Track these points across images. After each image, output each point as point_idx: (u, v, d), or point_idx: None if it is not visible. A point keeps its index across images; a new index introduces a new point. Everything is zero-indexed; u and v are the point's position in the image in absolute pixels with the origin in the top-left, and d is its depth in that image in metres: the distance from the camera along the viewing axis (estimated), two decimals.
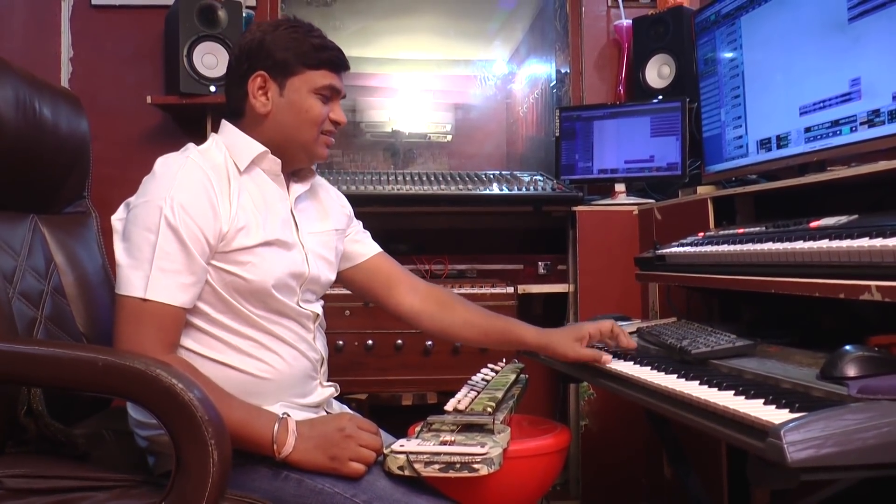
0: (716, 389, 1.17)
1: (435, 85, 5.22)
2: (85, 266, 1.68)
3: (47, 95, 1.58)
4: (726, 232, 1.75)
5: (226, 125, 1.46)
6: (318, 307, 1.51)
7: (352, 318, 2.45)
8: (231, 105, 1.47)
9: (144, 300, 1.27)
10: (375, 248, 1.67)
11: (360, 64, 4.88)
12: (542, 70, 3.65)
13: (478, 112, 5.18)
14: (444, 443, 1.31)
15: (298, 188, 1.50)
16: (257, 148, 1.42)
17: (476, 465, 1.25)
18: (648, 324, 1.80)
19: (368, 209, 2.61)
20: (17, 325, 1.42)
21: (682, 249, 1.79)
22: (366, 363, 2.43)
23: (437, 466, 1.25)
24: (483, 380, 1.77)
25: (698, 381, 1.23)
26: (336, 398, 1.56)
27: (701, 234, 1.87)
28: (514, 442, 1.51)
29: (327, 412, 1.50)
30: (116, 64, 2.98)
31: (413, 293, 1.63)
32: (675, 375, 1.30)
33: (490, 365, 1.89)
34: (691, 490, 1.74)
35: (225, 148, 1.42)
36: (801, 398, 1.05)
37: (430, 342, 2.42)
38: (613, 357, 1.56)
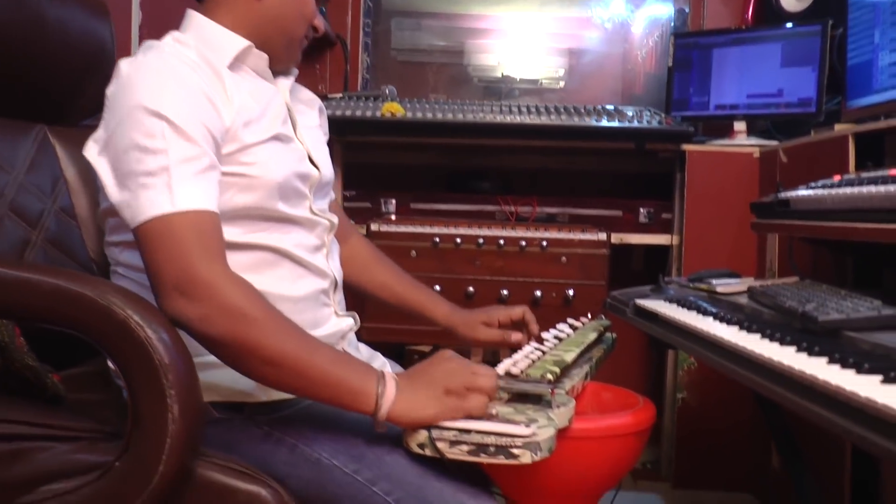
0: (852, 372, 0.83)
1: (548, 27, 4.91)
2: None
3: None
4: (872, 174, 1.37)
5: (194, 17, 1.21)
6: (333, 217, 1.29)
7: (418, 259, 2.21)
8: None
9: (175, 214, 1.00)
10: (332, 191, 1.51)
11: (468, 4, 4.63)
12: (662, 11, 3.28)
13: (593, 57, 4.82)
14: (482, 416, 1.02)
15: (286, 83, 1.28)
16: (240, 42, 1.19)
17: (516, 451, 0.96)
18: (762, 283, 1.45)
19: (443, 140, 2.35)
20: None
21: (811, 192, 1.42)
22: None
23: (465, 447, 0.97)
24: (556, 337, 1.47)
25: (826, 359, 0.89)
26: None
27: (837, 177, 1.49)
28: (582, 418, 1.21)
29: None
30: None
31: (343, 243, 1.46)
32: (794, 348, 0.97)
33: (570, 320, 1.59)
34: (805, 494, 1.39)
35: (196, 45, 1.17)
36: None
37: (505, 291, 2.16)
38: (713, 319, 1.23)
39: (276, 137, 1.18)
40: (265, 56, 1.23)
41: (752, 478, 2.27)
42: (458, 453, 0.97)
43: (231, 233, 1.11)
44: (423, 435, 0.99)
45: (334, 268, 1.26)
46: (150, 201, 1.01)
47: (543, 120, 2.26)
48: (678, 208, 2.37)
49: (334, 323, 1.24)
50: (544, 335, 1.46)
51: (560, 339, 1.47)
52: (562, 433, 1.15)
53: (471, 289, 2.20)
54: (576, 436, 1.19)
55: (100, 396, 1.26)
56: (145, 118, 1.03)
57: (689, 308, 1.35)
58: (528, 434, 0.97)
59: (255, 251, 1.15)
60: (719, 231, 2.28)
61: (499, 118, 2.24)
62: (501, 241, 2.23)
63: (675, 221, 2.39)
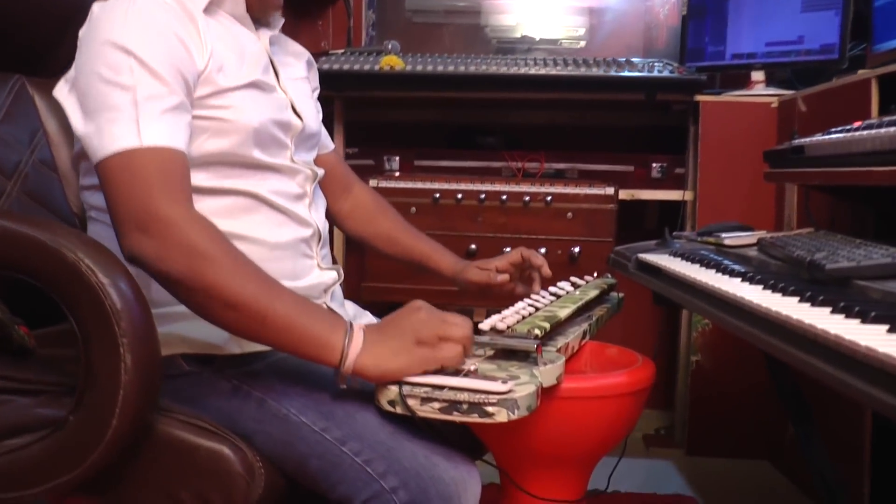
0: (856, 321, 0.75)
1: None
2: None
3: None
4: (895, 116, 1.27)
5: None
6: (318, 169, 1.24)
7: (418, 216, 2.14)
8: None
9: (139, 149, 0.95)
10: (332, 143, 1.47)
11: None
12: None
13: (614, 14, 4.69)
14: (458, 372, 0.96)
15: (269, 32, 1.22)
16: None
17: (490, 408, 0.89)
18: (773, 234, 1.36)
19: (445, 94, 2.27)
20: None
21: (827, 137, 1.32)
22: None
23: (436, 405, 0.91)
24: (554, 294, 1.39)
25: (830, 308, 0.81)
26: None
27: (857, 123, 1.39)
28: (573, 377, 1.14)
29: (330, 308, 1.17)
30: None
31: (347, 194, 1.46)
32: (797, 298, 0.88)
33: (573, 278, 1.51)
34: (813, 462, 1.31)
35: None
36: None
37: (507, 248, 2.04)
38: (715, 271, 1.15)
39: (255, 84, 1.12)
40: (241, 1, 1.17)
41: (770, 445, 2.19)
42: (430, 411, 0.91)
43: (202, 177, 1.06)
44: (393, 391, 0.93)
45: (318, 219, 1.20)
46: (114, 135, 0.96)
47: (549, 71, 2.15)
48: (692, 163, 2.27)
49: (316, 275, 1.18)
50: (543, 292, 1.39)
51: (558, 297, 1.39)
52: (550, 393, 1.08)
53: (473, 246, 2.13)
54: (565, 395, 1.12)
55: (73, 352, 1.21)
56: (113, 53, 0.99)
57: (693, 261, 1.27)
58: (504, 391, 0.90)
59: (229, 196, 1.09)
60: (735, 185, 2.19)
61: (503, 70, 2.14)
62: (504, 197, 2.15)
63: (688, 176, 2.29)
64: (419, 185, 2.17)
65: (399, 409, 0.92)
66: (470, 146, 2.45)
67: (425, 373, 0.94)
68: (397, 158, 2.38)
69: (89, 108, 0.99)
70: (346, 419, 0.97)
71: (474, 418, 0.89)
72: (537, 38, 3.09)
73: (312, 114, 1.26)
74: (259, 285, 0.93)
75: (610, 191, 2.14)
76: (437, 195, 2.15)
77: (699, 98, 2.21)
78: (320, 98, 1.42)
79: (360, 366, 0.93)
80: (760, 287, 0.98)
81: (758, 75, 2.28)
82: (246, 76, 1.10)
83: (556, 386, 1.08)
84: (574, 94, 2.22)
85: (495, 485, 1.28)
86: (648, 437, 2.44)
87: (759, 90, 2.24)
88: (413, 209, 2.14)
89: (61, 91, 1.06)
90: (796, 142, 1.44)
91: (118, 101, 0.97)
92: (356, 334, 0.94)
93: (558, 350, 1.15)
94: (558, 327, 1.24)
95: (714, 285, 1.03)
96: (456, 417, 0.90)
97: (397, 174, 2.34)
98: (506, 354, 1.09)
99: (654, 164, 2.34)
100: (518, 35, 4.88)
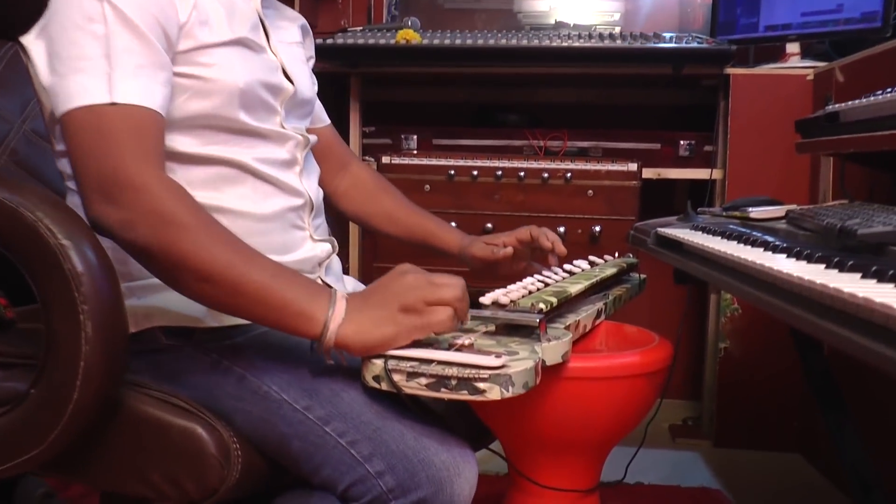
0: (890, 286, 0.66)
1: None
2: None
3: None
4: None
5: None
6: (311, 136, 1.16)
7: (432, 193, 2.07)
8: None
9: (109, 105, 0.88)
10: (327, 118, 1.39)
11: None
12: None
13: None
14: (452, 347, 0.88)
15: None
16: None
17: (481, 384, 0.81)
18: (804, 207, 1.26)
19: (463, 70, 2.18)
20: None
21: (863, 101, 1.22)
22: None
23: (423, 380, 0.83)
24: (569, 271, 1.31)
25: (860, 273, 0.72)
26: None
27: None
28: (582, 356, 1.06)
29: (326, 283, 1.10)
30: None
31: (343, 172, 1.39)
32: (824, 265, 0.79)
33: (591, 257, 1.43)
34: (845, 454, 1.21)
35: None
36: None
37: None
38: (738, 242, 1.05)
39: (242, 42, 1.04)
40: None
41: (803, 437, 2.10)
42: (416, 387, 0.83)
43: (185, 143, 0.99)
44: (378, 366, 0.85)
45: (310, 188, 1.12)
46: (82, 87, 0.88)
47: (573, 44, 2.06)
48: (721, 139, 2.16)
49: (309, 248, 1.11)
50: (556, 269, 1.31)
51: (571, 274, 1.31)
52: (556, 372, 1.01)
53: (489, 225, 2.04)
54: (573, 375, 1.04)
55: None
56: (87, 4, 0.91)
57: (715, 234, 1.18)
58: (497, 365, 0.82)
59: (213, 165, 1.01)
60: (767, 163, 2.07)
61: (523, 43, 2.05)
62: (522, 174, 2.06)
63: (717, 154, 2.18)
64: (434, 161, 2.09)
65: (384, 386, 0.85)
66: (491, 124, 2.37)
67: (416, 345, 0.87)
68: (415, 137, 2.30)
69: (57, 55, 0.91)
70: (331, 397, 0.90)
71: (464, 395, 0.81)
72: (571, 24, 2.97)
73: (306, 79, 1.18)
74: (234, 254, 0.86)
75: (633, 167, 2.04)
76: (452, 172, 2.07)
77: (729, 71, 2.10)
78: (336, 75, 1.35)
79: (342, 337, 0.85)
80: (784, 255, 0.89)
81: (793, 47, 2.17)
82: (232, 32, 1.02)
83: (562, 365, 1.00)
84: (600, 67, 2.12)
85: (505, 476, 1.21)
86: (675, 427, 2.34)
87: (794, 63, 2.12)
88: (427, 187, 2.06)
89: (29, 38, 0.97)
90: (830, 108, 1.34)
91: (89, 51, 0.89)
92: (338, 303, 0.86)
93: (567, 327, 1.07)
94: (569, 304, 1.16)
95: (733, 254, 0.94)
96: (444, 394, 0.82)
97: (415, 153, 2.26)
98: (508, 330, 1.01)
99: (681, 142, 2.23)
100: (552, 21, 4.78)
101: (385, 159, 2.11)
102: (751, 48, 2.31)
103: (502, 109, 2.40)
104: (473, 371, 0.81)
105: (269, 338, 0.99)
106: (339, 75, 2.26)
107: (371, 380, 0.86)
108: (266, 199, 1.04)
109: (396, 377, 0.84)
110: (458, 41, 2.06)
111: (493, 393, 0.81)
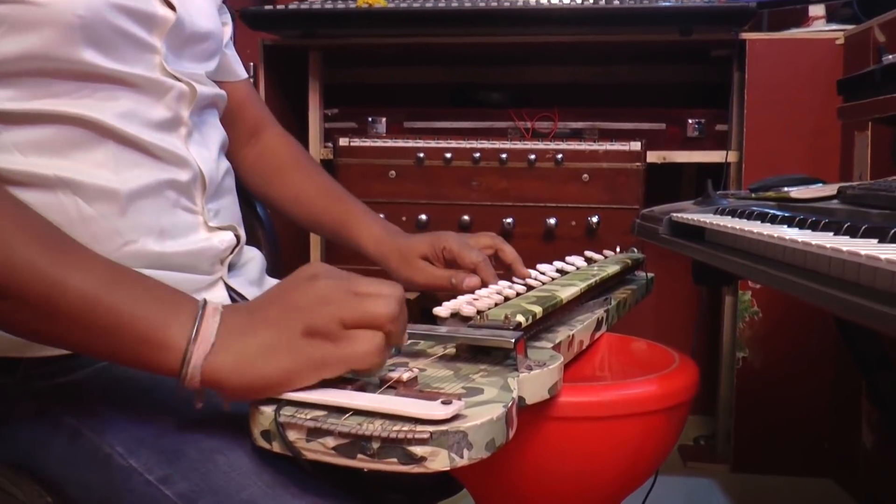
0: None
1: None
2: None
3: None
4: None
5: None
6: (201, 85, 0.86)
7: (399, 181, 1.80)
8: None
9: None
10: (243, 71, 1.12)
11: None
12: None
13: None
14: (383, 383, 0.59)
15: None
16: None
17: (417, 448, 0.52)
18: (864, 182, 0.98)
19: (434, 39, 1.91)
20: None
21: None
22: None
23: (330, 440, 0.53)
24: (559, 271, 1.03)
25: None
26: None
27: None
28: (579, 387, 0.78)
29: (232, 288, 0.82)
30: None
31: (254, 140, 1.13)
32: None
33: (588, 252, 1.15)
34: None
35: None
36: None
37: (509, 219, 1.75)
38: (788, 226, 0.77)
39: None
40: None
41: (836, 459, 1.88)
42: (320, 450, 0.54)
43: (5, 96, 0.70)
44: (268, 416, 0.56)
45: (201, 157, 0.83)
46: None
47: (563, 3, 1.78)
48: (736, 117, 1.91)
49: (203, 237, 0.82)
50: (543, 267, 1.02)
51: (562, 273, 1.03)
52: (543, 412, 0.73)
53: (466, 217, 1.77)
54: (567, 415, 0.76)
55: None
56: None
57: (752, 218, 0.90)
58: (444, 417, 0.52)
59: (50, 124, 0.72)
60: (789, 141, 1.84)
61: (505, 4, 1.77)
62: (504, 156, 1.78)
63: (732, 133, 1.92)
64: (400, 143, 1.82)
65: (276, 447, 0.56)
66: (471, 104, 2.09)
67: (327, 383, 0.58)
68: (384, 120, 2.02)
69: None
70: (201, 463, 0.61)
71: (392, 464, 0.52)
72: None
73: (200, 7, 0.88)
74: (44, 253, 0.57)
75: (636, 146, 1.77)
76: (422, 155, 1.79)
77: (746, 36, 1.84)
78: (293, 50, 1.05)
79: (212, 372, 0.56)
80: (848, 237, 0.61)
81: (817, 10, 1.92)
82: None
83: (550, 400, 0.71)
84: (595, 34, 1.84)
85: None
86: (686, 448, 2.10)
87: (819, 27, 1.87)
88: (392, 174, 1.79)
89: None
90: (887, 59, 1.06)
91: None
92: (206, 322, 0.57)
93: (556, 346, 0.79)
94: (560, 314, 0.88)
95: (796, 238, 0.65)
96: (361, 463, 0.53)
97: (383, 136, 1.99)
98: (473, 353, 0.73)
99: (689, 121, 1.96)
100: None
101: (343, 141, 1.83)
102: (764, 13, 2.06)
103: (484, 88, 2.13)
104: (407, 427, 0.52)
105: (117, 372, 0.69)
106: (297, 50, 2.00)
107: (259, 436, 0.57)
108: (131, 169, 0.75)
109: (293, 434, 0.55)
110: (428, 3, 1.78)
111: (438, 461, 0.52)
